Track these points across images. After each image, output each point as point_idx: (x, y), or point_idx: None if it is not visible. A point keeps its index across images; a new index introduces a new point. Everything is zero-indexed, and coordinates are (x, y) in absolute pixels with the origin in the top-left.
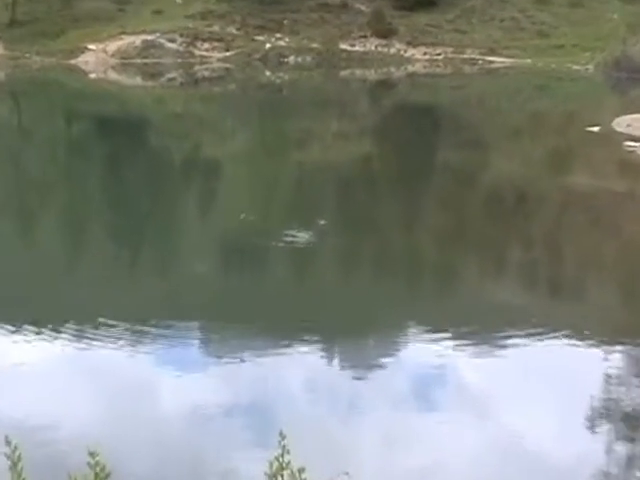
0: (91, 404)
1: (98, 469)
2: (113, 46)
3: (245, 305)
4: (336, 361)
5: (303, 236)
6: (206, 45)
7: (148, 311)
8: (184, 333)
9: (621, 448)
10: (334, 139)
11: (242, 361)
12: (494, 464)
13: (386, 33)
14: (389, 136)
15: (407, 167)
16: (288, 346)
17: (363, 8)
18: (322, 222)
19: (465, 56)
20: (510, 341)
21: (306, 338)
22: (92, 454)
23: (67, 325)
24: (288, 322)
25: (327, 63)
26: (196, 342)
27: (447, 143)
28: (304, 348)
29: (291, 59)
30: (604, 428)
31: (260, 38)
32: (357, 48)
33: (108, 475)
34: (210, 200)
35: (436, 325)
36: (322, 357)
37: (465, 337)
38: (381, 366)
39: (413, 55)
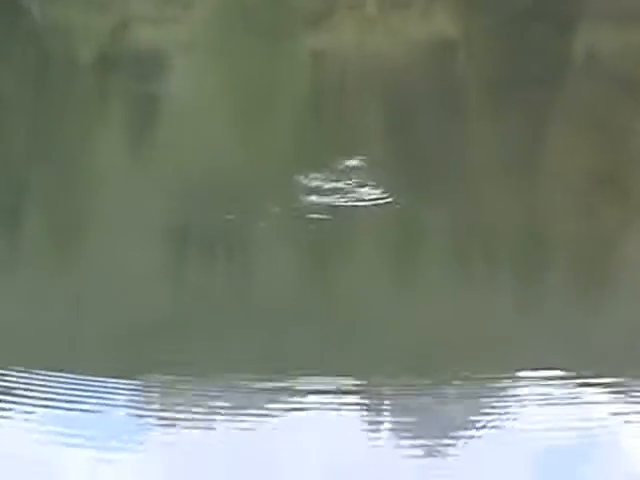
0: None
1: None
2: None
3: (221, 330)
4: (384, 430)
5: (324, 199)
6: None
7: (45, 340)
8: (110, 381)
9: None
10: (381, 9)
11: (213, 428)
12: None
13: None
14: (486, 3)
15: (520, 64)
16: (298, 404)
17: None
18: (360, 171)
19: None
20: None
21: (329, 390)
22: None
23: None
24: (299, 361)
25: None
26: (132, 396)
27: (598, 14)
28: (327, 405)
29: None
30: None
31: None
32: None
33: None
34: (151, 132)
35: (575, 364)
36: (361, 422)
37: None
38: (468, 437)
39: None
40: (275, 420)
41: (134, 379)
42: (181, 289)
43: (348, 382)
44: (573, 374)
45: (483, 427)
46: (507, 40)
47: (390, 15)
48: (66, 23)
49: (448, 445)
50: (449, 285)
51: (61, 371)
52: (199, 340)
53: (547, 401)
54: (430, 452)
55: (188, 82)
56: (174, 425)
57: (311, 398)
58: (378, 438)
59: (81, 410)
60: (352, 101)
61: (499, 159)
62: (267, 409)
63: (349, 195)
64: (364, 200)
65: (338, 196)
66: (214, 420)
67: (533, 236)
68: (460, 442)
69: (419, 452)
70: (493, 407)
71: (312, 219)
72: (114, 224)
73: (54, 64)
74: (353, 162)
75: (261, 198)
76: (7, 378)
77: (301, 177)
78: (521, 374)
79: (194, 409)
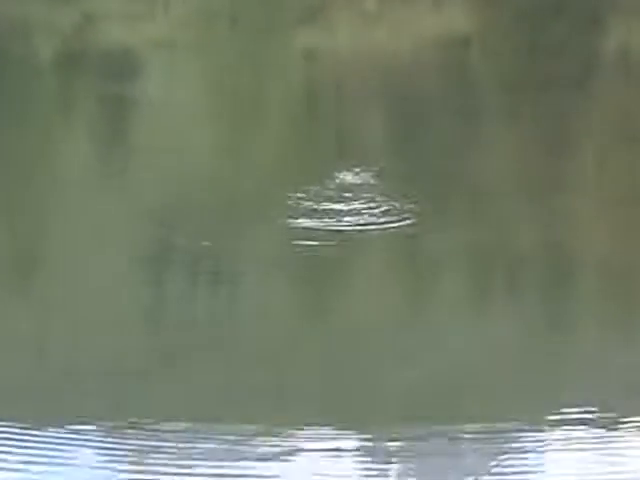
0: None
1: None
2: None
3: (204, 371)
4: None
5: (321, 222)
6: None
7: (1, 384)
8: (78, 431)
9: None
10: (382, 2)
11: None
12: None
13: None
14: None
15: (543, 64)
16: (292, 454)
17: None
18: (361, 188)
19: None
20: None
21: (328, 437)
22: None
23: None
24: (293, 405)
25: None
26: (103, 448)
27: (630, 8)
28: (325, 454)
29: None
30: None
31: None
32: None
33: None
34: (123, 141)
35: (608, 403)
36: (364, 473)
37: None
38: None
39: None
40: (265, 472)
41: (105, 428)
42: (159, 324)
43: (350, 428)
44: (606, 415)
45: (504, 478)
46: (528, 37)
47: (393, 9)
48: (24, 18)
49: None
50: (466, 318)
51: (20, 420)
52: (180, 383)
53: (577, 446)
54: None
55: (165, 84)
56: None
57: (307, 446)
58: None
59: (47, 464)
60: (351, 106)
61: (521, 172)
62: (255, 460)
63: (349, 218)
64: (366, 224)
65: (336, 219)
66: (196, 473)
67: (562, 261)
68: None
69: None
70: (515, 454)
71: (307, 246)
72: (80, 247)
73: (11, 64)
74: (353, 178)
75: (249, 219)
76: None
77: (293, 195)
78: (547, 416)
79: (174, 461)
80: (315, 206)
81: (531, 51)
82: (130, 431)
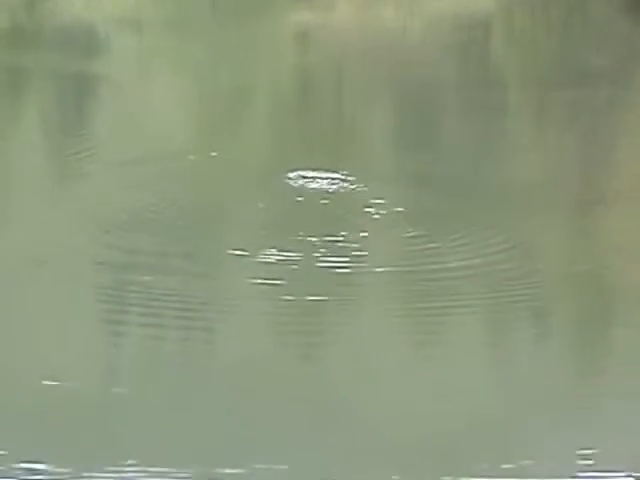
0: None
1: None
2: None
3: (170, 423)
4: None
5: (316, 252)
6: None
7: None
8: None
9: None
10: None
11: None
12: None
13: None
14: None
15: (578, 53)
16: None
17: None
18: (361, 201)
19: None
20: None
21: None
22: None
23: None
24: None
25: None
26: None
27: None
28: None
29: None
30: None
31: None
32: None
33: None
34: (80, 130)
35: None
36: None
37: None
38: None
39: None
40: None
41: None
42: (119, 367)
43: None
44: None
45: None
46: (561, 20)
47: None
48: None
49: None
50: (481, 365)
51: None
52: (142, 433)
53: None
54: None
55: (131, 67)
56: None
57: None
58: None
59: None
60: (352, 99)
61: (551, 181)
62: None
63: (344, 245)
64: (366, 251)
65: (329, 249)
66: None
67: (600, 293)
68: None
69: None
70: None
71: (294, 283)
72: (22, 267)
73: None
74: (352, 188)
75: (226, 245)
76: None
77: (279, 215)
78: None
79: None
80: (304, 236)
81: (565, 37)
82: None
